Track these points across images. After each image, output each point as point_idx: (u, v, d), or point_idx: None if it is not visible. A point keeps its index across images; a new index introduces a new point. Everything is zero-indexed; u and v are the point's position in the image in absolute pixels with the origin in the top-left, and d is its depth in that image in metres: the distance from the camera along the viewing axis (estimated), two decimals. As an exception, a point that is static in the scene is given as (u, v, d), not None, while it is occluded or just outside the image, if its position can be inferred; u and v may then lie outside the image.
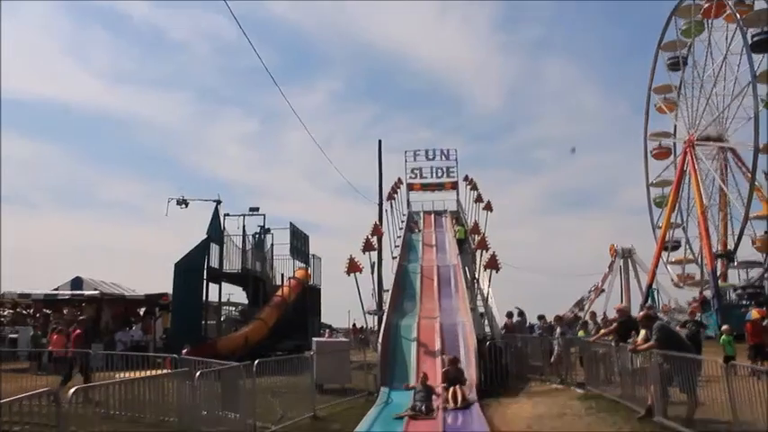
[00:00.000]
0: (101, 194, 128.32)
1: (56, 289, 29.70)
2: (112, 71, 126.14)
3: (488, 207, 26.17)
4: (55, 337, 21.89)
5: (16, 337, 27.31)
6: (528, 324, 21.53)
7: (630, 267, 61.73)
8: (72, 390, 5.15)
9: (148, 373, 7.60)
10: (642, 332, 11.71)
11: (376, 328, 20.49)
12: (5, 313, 34.26)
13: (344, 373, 16.54)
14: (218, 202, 27.21)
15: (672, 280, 56.10)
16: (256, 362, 10.63)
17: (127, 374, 7.29)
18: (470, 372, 15.46)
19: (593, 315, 20.82)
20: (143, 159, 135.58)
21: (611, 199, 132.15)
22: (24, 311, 32.86)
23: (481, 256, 20.79)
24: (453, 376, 13.96)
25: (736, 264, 50.69)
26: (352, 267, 19.15)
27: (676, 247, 57.45)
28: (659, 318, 12.82)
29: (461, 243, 27.17)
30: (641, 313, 12.37)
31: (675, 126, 54.74)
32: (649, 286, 56.21)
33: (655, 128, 58.00)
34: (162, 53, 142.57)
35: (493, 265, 19.37)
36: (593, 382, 15.00)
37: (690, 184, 52.18)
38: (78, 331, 17.38)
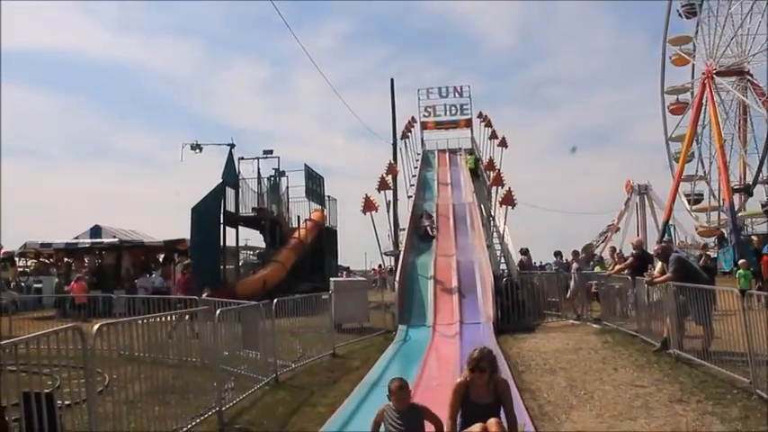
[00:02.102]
0: (115, 145, 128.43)
1: (76, 238, 30.08)
2: (122, 21, 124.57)
3: (503, 143, 25.92)
4: (75, 284, 22.34)
5: (41, 287, 27.84)
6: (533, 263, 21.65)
7: (647, 204, 61.13)
8: (96, 326, 5.25)
9: (170, 317, 7.71)
10: (659, 265, 11.70)
11: (393, 268, 20.61)
12: (29, 263, 34.87)
13: (363, 313, 16.77)
14: (232, 146, 27.12)
15: (696, 229, 55.73)
16: (275, 301, 10.78)
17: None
18: (487, 309, 15.62)
19: (613, 250, 20.78)
20: (155, 109, 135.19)
21: (626, 136, 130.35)
22: (47, 261, 33.42)
23: (496, 192, 20.70)
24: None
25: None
26: (368, 206, 19.13)
27: (698, 200, 56.95)
28: (676, 251, 12.76)
29: (473, 173, 27.10)
30: (658, 246, 12.31)
31: (695, 45, 53.04)
32: (666, 222, 55.78)
33: (671, 80, 56.75)
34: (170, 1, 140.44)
35: (509, 201, 19.26)
36: (609, 317, 15.10)
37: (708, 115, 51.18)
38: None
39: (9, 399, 4.69)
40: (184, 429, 6.40)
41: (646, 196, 61.06)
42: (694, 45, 52.41)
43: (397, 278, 17.33)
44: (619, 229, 61.08)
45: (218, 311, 7.97)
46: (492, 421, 5.11)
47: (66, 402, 5.44)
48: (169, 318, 8.05)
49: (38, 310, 23.01)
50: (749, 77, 50.38)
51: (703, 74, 50.93)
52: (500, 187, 20.18)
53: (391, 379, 5.60)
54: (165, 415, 6.33)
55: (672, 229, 56.47)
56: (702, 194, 56.92)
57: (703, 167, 56.04)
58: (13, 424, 4.60)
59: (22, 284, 29.24)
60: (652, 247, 14.32)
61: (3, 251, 28.73)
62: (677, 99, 56.82)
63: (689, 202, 56.26)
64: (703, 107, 51.65)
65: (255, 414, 7.76)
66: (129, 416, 5.76)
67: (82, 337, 4.91)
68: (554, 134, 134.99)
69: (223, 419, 7.22)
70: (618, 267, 15.12)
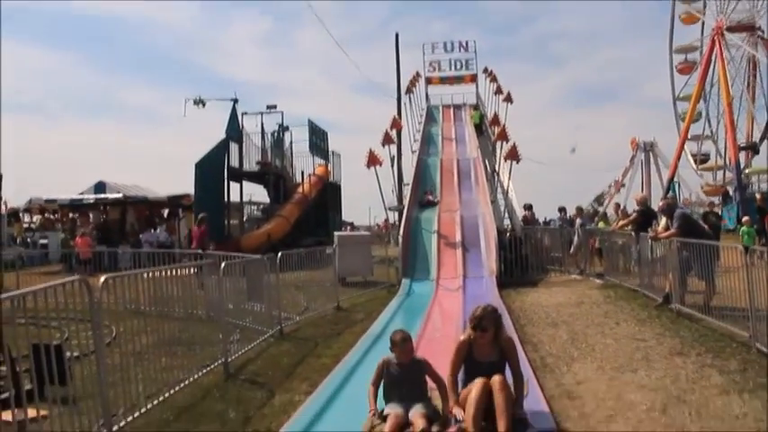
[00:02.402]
0: (118, 100, 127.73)
1: (80, 194, 30.12)
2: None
3: (508, 98, 25.67)
4: (80, 240, 22.49)
5: (46, 242, 28.01)
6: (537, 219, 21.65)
7: (652, 161, 60.67)
8: (102, 278, 5.29)
9: (175, 271, 7.76)
10: (663, 221, 11.70)
11: (397, 223, 20.68)
12: (34, 219, 35.01)
13: (367, 266, 16.88)
14: (235, 100, 26.97)
15: (702, 187, 55.37)
16: (279, 255, 10.85)
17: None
18: (490, 263, 15.70)
19: (617, 206, 20.75)
20: (158, 64, 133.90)
21: (633, 93, 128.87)
22: (52, 217, 33.54)
23: (501, 148, 20.60)
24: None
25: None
26: (372, 160, 19.08)
27: (705, 159, 56.43)
28: (681, 207, 12.74)
29: (477, 128, 26.95)
30: (663, 202, 12.29)
31: (705, 2, 51.91)
32: (671, 179, 55.44)
33: (680, 39, 55.65)
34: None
35: (513, 155, 19.18)
36: (611, 272, 15.17)
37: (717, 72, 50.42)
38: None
39: (19, 351, 4.76)
40: (191, 379, 6.51)
41: (651, 153, 60.52)
42: (705, 2, 51.31)
43: (401, 232, 17.38)
44: (623, 185, 60.77)
45: (222, 265, 8.02)
46: (496, 378, 5.00)
47: (75, 354, 5.52)
48: (179, 271, 8.09)
49: (44, 265, 23.22)
50: (760, 33, 49.46)
51: (713, 29, 50.00)
52: (505, 142, 20.09)
53: (394, 330, 5.59)
54: (171, 366, 6.43)
55: (677, 186, 56.14)
56: (709, 154, 56.50)
57: (710, 127, 55.52)
58: (23, 375, 4.67)
59: (28, 240, 29.44)
60: (656, 204, 14.30)
61: (8, 207, 28.83)
62: (685, 58, 55.92)
63: (695, 161, 55.88)
64: (712, 64, 50.88)
65: (261, 365, 7.87)
66: (137, 367, 5.86)
67: (88, 290, 4.96)
68: (559, 90, 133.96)
69: (229, 370, 7.33)
70: (622, 223, 15.12)
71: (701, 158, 56.41)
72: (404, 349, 5.34)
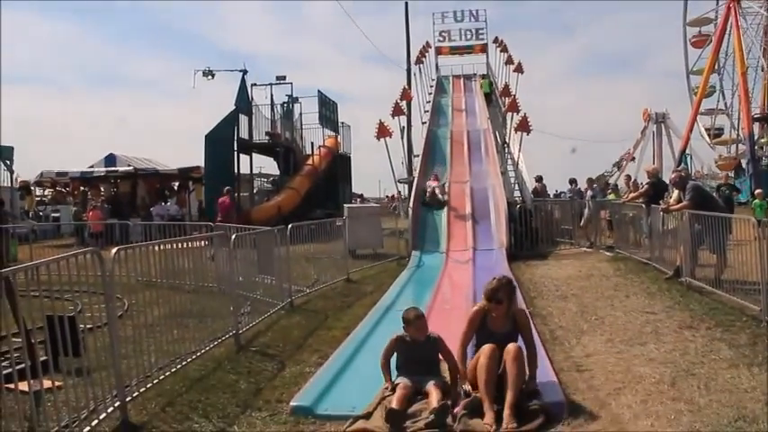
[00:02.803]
0: (126, 73, 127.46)
1: (91, 167, 30.20)
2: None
3: (519, 69, 25.41)
4: (92, 212, 22.61)
5: (58, 216, 28.17)
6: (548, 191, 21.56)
7: (664, 133, 60.04)
8: (114, 249, 5.33)
9: (186, 244, 7.80)
10: (675, 193, 11.60)
11: (407, 196, 20.61)
12: (45, 193, 35.19)
13: (377, 239, 16.91)
14: (245, 72, 26.89)
15: (700, 133, 54.79)
16: (290, 227, 10.88)
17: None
18: (500, 235, 15.69)
19: (628, 178, 20.64)
20: (167, 36, 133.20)
21: (646, 62, 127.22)
22: (63, 190, 33.70)
23: (512, 119, 20.46)
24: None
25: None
26: (382, 132, 18.99)
27: (719, 134, 55.79)
28: (693, 179, 12.62)
29: (487, 97, 26.75)
30: (675, 173, 12.18)
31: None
32: (683, 151, 54.93)
33: (694, 12, 54.73)
34: None
35: (524, 127, 19.04)
36: (622, 245, 15.13)
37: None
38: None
39: (34, 323, 4.82)
40: (202, 351, 6.58)
41: (663, 125, 59.86)
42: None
43: (411, 204, 17.37)
44: (634, 158, 60.23)
45: (233, 236, 8.05)
46: (510, 348, 4.98)
47: (89, 326, 5.58)
48: (190, 244, 8.13)
49: (56, 238, 23.37)
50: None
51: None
52: (515, 113, 19.94)
53: (406, 309, 5.60)
54: (183, 338, 6.49)
55: (688, 158, 55.65)
56: (723, 129, 55.91)
57: (725, 100, 54.86)
58: (38, 346, 4.73)
59: (40, 213, 29.61)
60: (667, 177, 14.20)
61: (19, 180, 28.97)
62: (699, 31, 55.16)
63: (709, 136, 55.29)
64: (726, 34, 50.08)
65: (271, 337, 7.93)
66: (149, 338, 5.92)
67: (101, 261, 4.99)
68: (571, 60, 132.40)
69: (240, 342, 7.40)
70: (632, 195, 15.05)
71: (715, 133, 55.86)
72: (418, 327, 5.34)
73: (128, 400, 5.01)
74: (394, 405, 4.80)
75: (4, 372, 3.96)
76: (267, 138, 27.52)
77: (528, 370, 5.10)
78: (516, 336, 5.26)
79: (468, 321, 5.33)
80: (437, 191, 17.61)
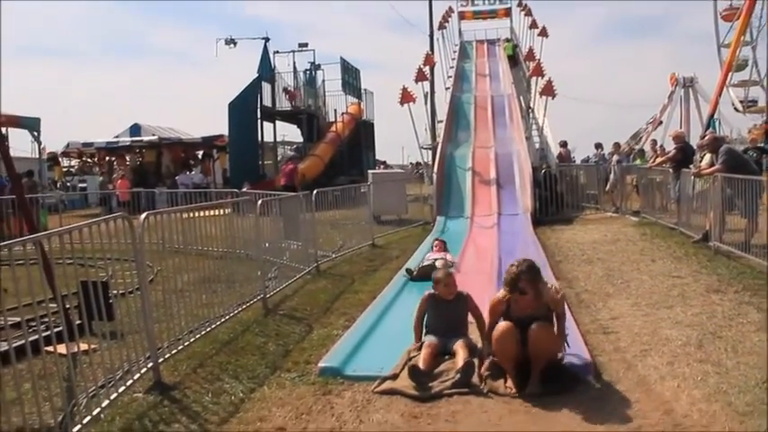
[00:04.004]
0: (149, 43, 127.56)
1: (116, 137, 30.50)
2: None
3: (543, 33, 25.02)
4: (119, 182, 22.88)
5: (85, 186, 28.56)
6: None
7: (692, 97, 58.59)
8: (143, 215, 5.42)
9: (212, 211, 7.87)
10: (707, 156, 11.41)
11: (431, 162, 20.55)
12: (72, 163, 35.64)
13: (401, 204, 16.94)
14: (267, 39, 26.85)
15: (733, 105, 53.54)
16: (315, 192, 10.94)
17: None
18: (525, 200, 15.64)
19: (654, 143, 20.35)
20: (188, 5, 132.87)
21: (674, 26, 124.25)
22: (89, 161, 34.10)
23: (536, 83, 20.22)
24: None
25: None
26: (406, 97, 18.90)
27: (742, 66, 54.28)
28: (727, 142, 12.37)
29: (511, 59, 26.43)
30: (709, 135, 11.93)
31: None
32: (711, 116, 53.46)
33: None
34: None
35: (548, 91, 18.82)
36: (648, 210, 15.00)
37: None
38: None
39: (69, 288, 4.93)
40: (231, 315, 6.69)
41: (691, 89, 58.39)
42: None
43: (435, 170, 17.33)
44: (661, 122, 58.89)
45: (259, 202, 8.12)
46: (534, 330, 4.67)
47: (121, 291, 5.69)
48: (217, 210, 8.21)
49: (84, 208, 23.72)
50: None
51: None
52: (540, 78, 19.70)
53: (435, 269, 5.65)
54: (212, 302, 6.60)
55: (716, 123, 54.31)
56: (756, 101, 54.46)
57: (758, 70, 53.36)
58: (72, 311, 4.84)
59: (68, 184, 30.02)
60: (694, 141, 13.99)
61: (47, 152, 29.35)
62: (730, 4, 53.55)
63: (743, 107, 53.92)
64: (759, 7, 48.48)
65: (298, 301, 8.04)
66: (179, 302, 6.02)
67: (130, 225, 5.08)
68: (597, 24, 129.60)
69: (267, 305, 7.50)
70: (659, 160, 14.86)
71: (748, 105, 54.49)
72: (449, 284, 5.40)
73: (160, 361, 5.13)
74: (420, 364, 4.87)
75: (43, 335, 4.06)
76: (285, 94, 27.49)
77: (556, 345, 4.88)
78: (543, 317, 4.82)
79: (490, 310, 4.97)
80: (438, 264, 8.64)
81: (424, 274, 8.32)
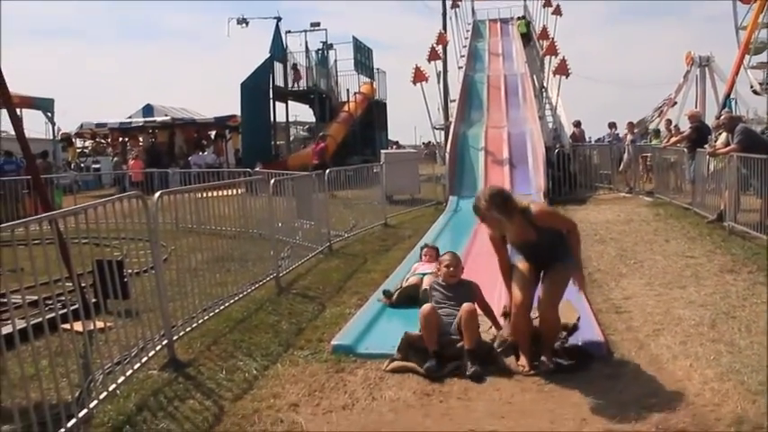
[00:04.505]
0: (161, 23, 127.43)
1: (129, 117, 30.56)
2: None
3: (557, 11, 24.74)
4: (132, 162, 22.97)
5: (99, 167, 28.70)
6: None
7: (708, 77, 57.65)
8: (157, 194, 5.47)
9: (225, 191, 7.89)
10: (723, 135, 11.31)
11: (443, 143, 20.49)
12: (86, 144, 35.80)
13: (414, 184, 16.94)
14: (279, 19, 26.73)
15: (751, 87, 52.72)
16: (327, 171, 10.95)
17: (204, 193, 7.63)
18: (538, 180, 15.58)
19: (669, 122, 20.17)
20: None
21: (690, 5, 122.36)
22: (103, 141, 34.24)
23: (550, 62, 20.05)
24: None
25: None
26: (418, 76, 18.82)
27: (760, 49, 53.35)
28: (744, 121, 12.22)
29: (524, 37, 26.20)
30: (726, 114, 11.82)
31: None
32: (727, 95, 52.61)
33: None
34: None
35: (562, 70, 18.67)
36: (662, 190, 14.91)
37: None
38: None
39: (85, 267, 4.97)
40: (244, 293, 6.74)
41: (707, 68, 57.46)
42: None
43: (448, 150, 17.28)
44: (676, 103, 58.06)
45: (272, 181, 8.14)
46: (542, 311, 4.66)
47: (136, 270, 5.74)
48: (231, 190, 8.23)
49: (98, 189, 23.86)
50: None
51: None
52: (553, 57, 19.54)
53: (445, 252, 5.62)
54: (225, 281, 6.64)
55: (733, 102, 53.49)
56: (766, 43, 53.34)
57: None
58: (87, 290, 4.89)
59: (82, 165, 30.18)
60: (710, 121, 13.83)
61: (60, 133, 29.48)
62: None
63: (762, 89, 52.99)
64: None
65: (311, 279, 8.07)
66: (193, 281, 6.07)
67: (144, 204, 5.11)
68: (612, 2, 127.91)
69: (280, 284, 7.54)
70: (674, 140, 14.74)
71: (757, 47, 53.43)
72: (453, 266, 5.29)
73: (174, 339, 5.18)
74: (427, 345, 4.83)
75: (60, 313, 4.12)
76: (292, 72, 27.47)
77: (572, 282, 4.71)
78: (546, 240, 4.64)
79: (492, 245, 4.91)
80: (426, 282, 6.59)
81: (405, 297, 6.46)
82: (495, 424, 3.88)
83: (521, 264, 4.82)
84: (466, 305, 4.86)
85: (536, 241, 4.67)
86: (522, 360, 4.70)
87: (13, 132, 10.58)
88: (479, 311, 5.11)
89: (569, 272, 4.71)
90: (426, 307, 4.93)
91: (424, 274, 6.61)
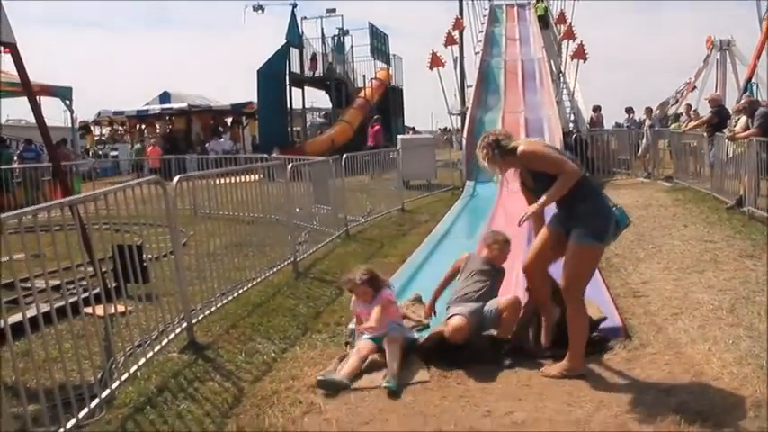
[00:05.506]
0: (177, 11, 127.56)
1: (146, 105, 30.72)
2: None
3: (575, -5, 24.49)
4: (150, 149, 23.12)
5: (116, 154, 28.93)
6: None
7: (728, 61, 56.65)
8: (176, 179, 5.52)
9: (242, 177, 7.94)
10: (743, 119, 11.17)
11: (460, 128, 20.42)
12: (103, 132, 36.08)
13: (430, 169, 16.91)
14: (294, 5, 26.71)
15: None
16: (344, 157, 10.98)
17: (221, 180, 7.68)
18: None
19: (688, 107, 19.95)
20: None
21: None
22: (120, 129, 34.48)
23: (567, 47, 19.89)
24: None
25: None
26: (435, 62, 18.77)
27: None
28: (764, 106, 12.04)
29: (541, 20, 25.99)
30: (746, 98, 11.67)
31: None
32: (749, 80, 51.76)
33: None
34: None
35: (580, 55, 18.53)
36: (681, 175, 14.78)
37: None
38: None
39: (105, 252, 5.04)
40: (262, 278, 6.79)
41: (728, 53, 56.50)
42: None
43: (465, 134, 17.22)
44: (695, 87, 57.23)
45: (289, 166, 8.17)
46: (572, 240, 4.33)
47: (155, 255, 5.80)
48: (248, 176, 8.28)
49: (115, 176, 24.05)
50: None
51: None
52: (571, 41, 19.38)
53: (495, 231, 5.50)
54: (243, 266, 6.70)
55: (754, 87, 52.55)
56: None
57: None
58: (107, 275, 4.95)
59: (99, 152, 30.42)
60: (730, 106, 13.66)
61: (79, 120, 29.70)
62: None
63: None
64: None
65: (328, 264, 8.11)
66: (212, 266, 6.13)
67: (163, 189, 5.16)
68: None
69: (298, 269, 7.59)
70: (693, 124, 14.58)
71: None
72: (504, 251, 5.14)
73: (194, 322, 5.24)
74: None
75: (82, 297, 4.18)
76: (310, 62, 27.49)
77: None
78: (540, 180, 4.43)
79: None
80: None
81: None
82: (513, 406, 3.89)
83: (546, 227, 4.62)
84: (514, 297, 4.80)
85: (533, 186, 4.51)
86: (543, 338, 4.68)
87: (31, 120, 10.70)
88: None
89: (583, 252, 4.35)
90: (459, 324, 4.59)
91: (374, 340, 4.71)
